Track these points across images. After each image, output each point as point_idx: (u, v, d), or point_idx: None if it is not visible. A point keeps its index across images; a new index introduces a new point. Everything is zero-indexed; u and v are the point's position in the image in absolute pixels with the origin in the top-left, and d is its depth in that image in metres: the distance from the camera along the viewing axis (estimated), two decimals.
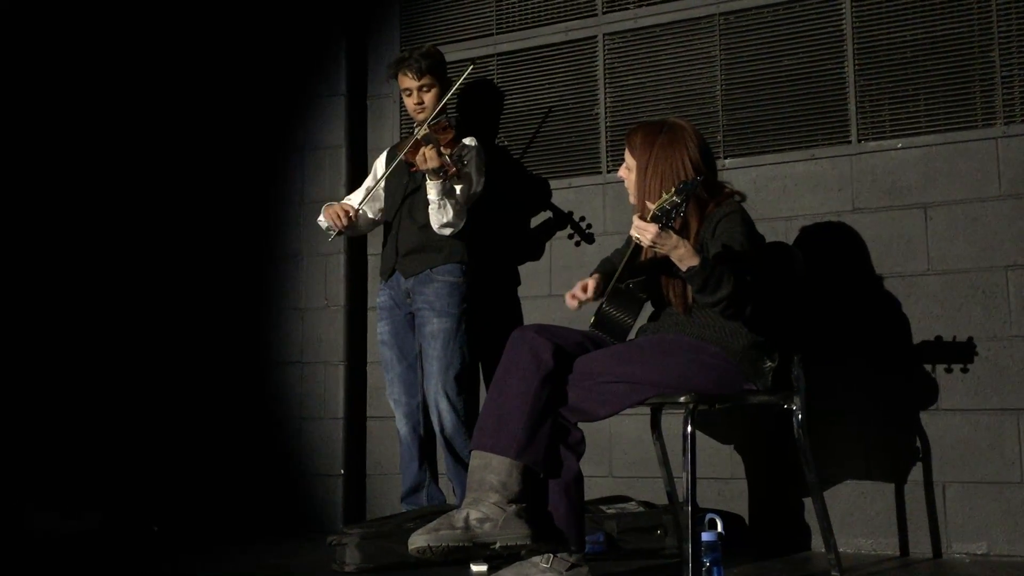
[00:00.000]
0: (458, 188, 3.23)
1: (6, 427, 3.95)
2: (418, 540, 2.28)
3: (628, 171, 2.65)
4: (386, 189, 3.49)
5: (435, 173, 3.12)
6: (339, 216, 3.37)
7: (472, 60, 3.53)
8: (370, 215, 3.53)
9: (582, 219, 3.55)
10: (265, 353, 4.01)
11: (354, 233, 3.61)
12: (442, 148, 3.11)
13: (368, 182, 3.57)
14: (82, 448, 4.08)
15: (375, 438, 3.86)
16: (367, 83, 4.03)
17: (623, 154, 2.69)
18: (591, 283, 2.74)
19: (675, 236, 2.35)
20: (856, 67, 3.21)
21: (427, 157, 3.09)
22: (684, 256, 2.37)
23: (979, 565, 2.83)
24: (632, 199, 2.65)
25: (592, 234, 3.53)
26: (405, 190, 3.40)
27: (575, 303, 2.73)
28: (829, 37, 3.26)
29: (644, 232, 2.33)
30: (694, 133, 2.61)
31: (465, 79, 3.39)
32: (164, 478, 4.03)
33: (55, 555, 3.34)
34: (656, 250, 2.38)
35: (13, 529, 3.73)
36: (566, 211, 3.58)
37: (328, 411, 3.88)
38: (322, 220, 3.47)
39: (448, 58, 3.66)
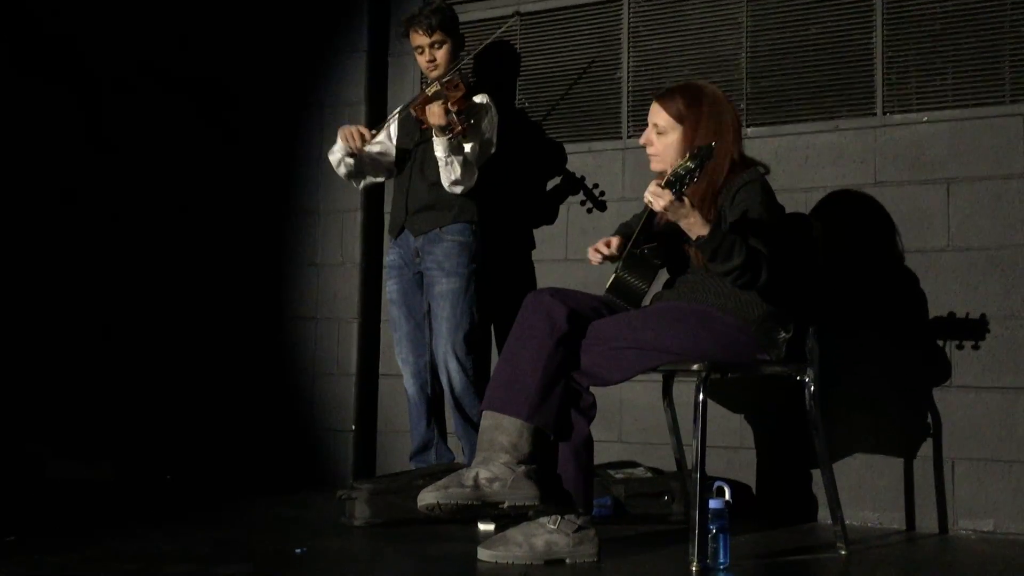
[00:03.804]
0: (467, 146, 3.21)
1: (27, 378, 4.00)
2: (427, 497, 2.31)
3: (660, 134, 2.59)
4: (397, 146, 3.46)
5: (441, 130, 3.10)
6: (354, 136, 3.26)
7: (495, 20, 3.49)
8: (379, 158, 3.45)
9: (595, 186, 3.53)
10: (281, 308, 4.03)
11: (359, 179, 3.49)
12: (451, 105, 3.08)
13: (381, 134, 3.48)
14: (100, 398, 4.12)
15: (387, 395, 3.88)
16: (388, 40, 4.00)
17: (645, 119, 2.66)
18: (615, 240, 2.71)
19: (687, 205, 2.34)
20: (884, 37, 3.17)
21: (434, 113, 3.07)
22: (695, 225, 2.36)
23: (985, 542, 2.84)
24: (659, 165, 2.58)
25: (604, 201, 3.51)
26: (416, 146, 3.38)
27: (598, 257, 2.69)
28: (858, 6, 3.21)
29: (658, 198, 2.32)
30: (726, 100, 2.62)
31: (503, 32, 3.30)
32: (178, 429, 4.07)
33: (71, 500, 3.39)
34: (668, 216, 2.37)
35: (31, 474, 3.79)
36: (580, 177, 3.56)
37: (341, 367, 3.90)
38: (335, 150, 3.38)
39: (472, 17, 3.63)
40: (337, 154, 3.38)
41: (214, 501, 3.42)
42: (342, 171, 3.42)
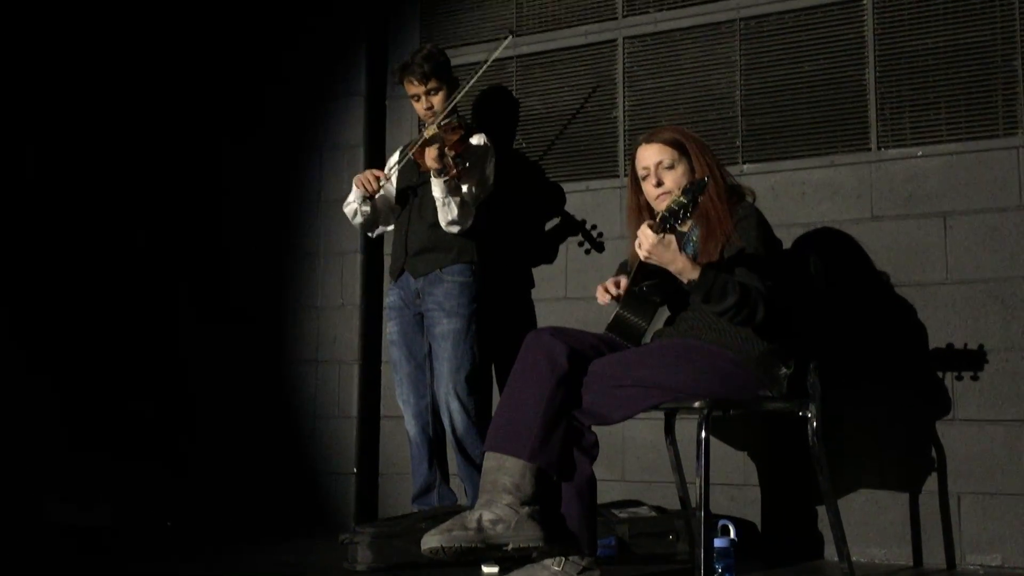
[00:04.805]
0: (465, 187, 3.23)
1: (25, 422, 3.98)
2: (431, 540, 2.29)
3: (669, 168, 2.58)
4: (397, 188, 3.49)
5: (437, 173, 3.12)
6: (370, 180, 3.27)
7: (492, 62, 3.52)
8: (389, 202, 3.49)
9: (593, 227, 3.54)
10: (281, 350, 4.03)
11: (372, 228, 3.57)
12: (447, 148, 3.09)
13: (387, 170, 3.51)
14: (99, 442, 4.10)
15: (388, 437, 3.87)
16: (386, 84, 4.04)
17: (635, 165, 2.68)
18: (624, 280, 2.67)
19: (673, 248, 2.34)
20: (877, 74, 3.20)
21: (430, 156, 3.09)
22: (684, 271, 2.37)
23: None
24: (662, 204, 2.55)
25: (602, 243, 3.53)
26: (415, 188, 3.40)
27: (606, 297, 2.66)
28: (850, 43, 3.25)
29: (645, 241, 2.32)
30: None
31: (503, 50, 3.31)
32: (179, 473, 4.05)
33: (70, 546, 3.36)
34: (650, 261, 2.37)
35: (30, 519, 3.77)
36: (579, 218, 3.57)
37: (342, 410, 3.89)
38: (351, 200, 3.38)
39: (468, 60, 3.67)
40: (353, 204, 3.40)
41: (215, 546, 3.39)
42: (358, 220, 3.44)
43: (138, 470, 4.06)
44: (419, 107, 3.38)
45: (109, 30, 4.28)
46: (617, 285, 2.67)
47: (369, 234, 3.64)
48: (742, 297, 2.37)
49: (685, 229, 2.59)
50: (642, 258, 2.35)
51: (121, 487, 4.01)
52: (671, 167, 2.61)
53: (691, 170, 2.59)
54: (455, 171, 3.09)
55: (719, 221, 2.52)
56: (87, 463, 4.05)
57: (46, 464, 4.00)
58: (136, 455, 4.09)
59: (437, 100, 3.34)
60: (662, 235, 2.33)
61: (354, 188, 3.37)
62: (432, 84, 3.33)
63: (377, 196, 3.35)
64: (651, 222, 2.36)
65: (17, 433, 3.95)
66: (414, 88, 3.35)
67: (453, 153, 3.09)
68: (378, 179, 3.30)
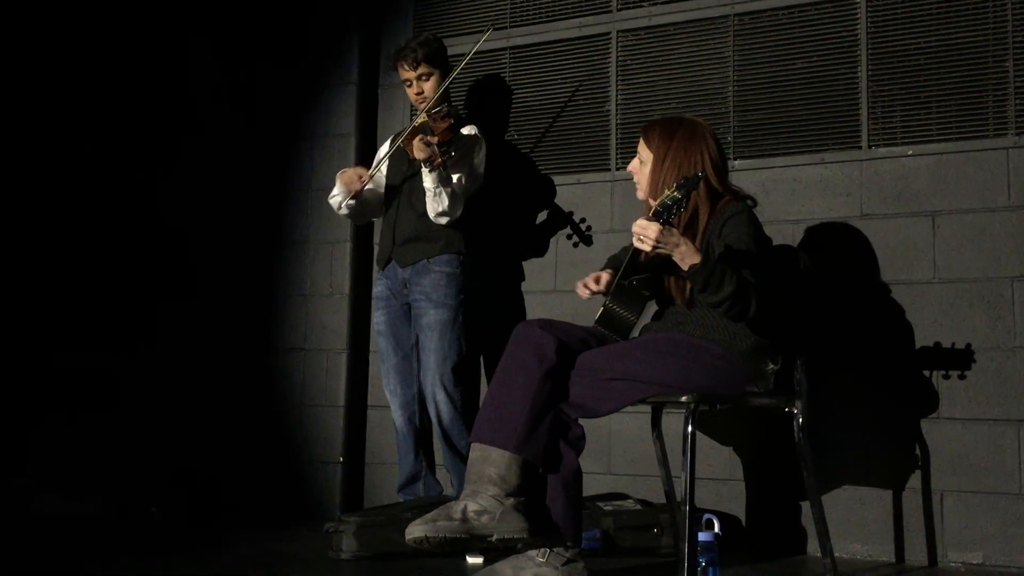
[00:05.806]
0: (454, 177, 3.22)
1: (11, 412, 3.97)
2: (415, 530, 2.29)
3: (641, 164, 2.66)
4: (387, 177, 3.48)
5: (425, 163, 3.12)
6: (353, 180, 3.30)
7: (485, 52, 3.52)
8: (376, 196, 3.49)
9: (582, 220, 3.54)
10: (269, 339, 4.02)
11: (361, 219, 3.58)
12: (431, 138, 3.06)
13: (372, 169, 3.53)
14: (85, 431, 4.09)
15: (375, 427, 3.87)
16: (378, 72, 4.03)
17: (634, 150, 2.71)
18: (604, 276, 2.73)
19: (677, 234, 2.35)
20: (869, 72, 3.21)
21: (416, 147, 3.08)
22: (686, 255, 2.37)
23: (974, 575, 2.83)
24: (641, 193, 2.66)
25: (591, 236, 3.53)
26: (405, 178, 3.39)
27: (586, 292, 2.72)
28: (843, 41, 3.26)
29: (646, 231, 2.32)
30: (711, 132, 2.64)
31: (483, 43, 3.32)
32: (165, 461, 4.04)
33: (56, 536, 3.35)
34: (658, 250, 2.38)
35: (19, 510, 3.75)
36: (567, 211, 3.57)
37: (329, 399, 3.89)
38: (336, 193, 3.40)
39: (461, 50, 3.65)
40: (338, 197, 3.40)
41: (201, 535, 3.39)
42: (344, 212, 3.44)
43: (125, 458, 4.05)
44: (410, 92, 3.39)
45: (104, 19, 4.25)
46: (597, 281, 2.71)
47: (356, 222, 3.64)
48: (739, 288, 2.37)
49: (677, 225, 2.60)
50: (649, 250, 2.35)
51: (108, 475, 4.00)
52: (644, 163, 2.66)
53: (652, 171, 2.60)
54: (439, 160, 3.07)
55: (694, 216, 2.54)
56: (73, 452, 4.04)
57: (32, 455, 3.98)
58: (122, 443, 4.08)
59: (428, 86, 3.34)
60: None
61: (337, 182, 3.36)
62: (424, 70, 3.32)
63: (366, 189, 3.36)
64: (647, 216, 2.36)
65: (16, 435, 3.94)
66: (406, 72, 3.35)
67: (437, 140, 3.08)
68: (361, 178, 3.30)
